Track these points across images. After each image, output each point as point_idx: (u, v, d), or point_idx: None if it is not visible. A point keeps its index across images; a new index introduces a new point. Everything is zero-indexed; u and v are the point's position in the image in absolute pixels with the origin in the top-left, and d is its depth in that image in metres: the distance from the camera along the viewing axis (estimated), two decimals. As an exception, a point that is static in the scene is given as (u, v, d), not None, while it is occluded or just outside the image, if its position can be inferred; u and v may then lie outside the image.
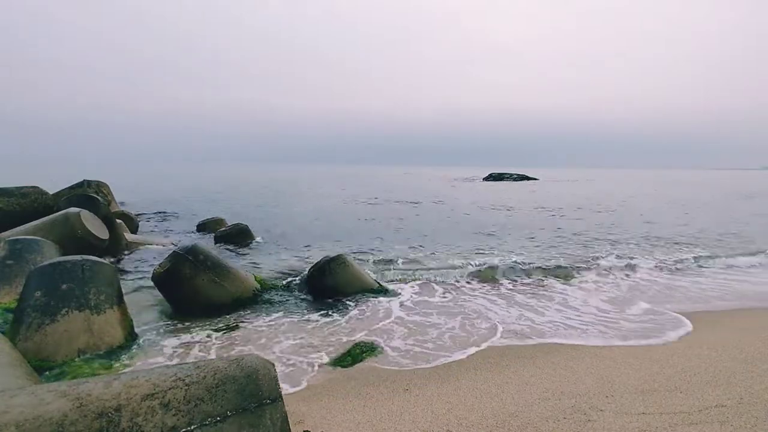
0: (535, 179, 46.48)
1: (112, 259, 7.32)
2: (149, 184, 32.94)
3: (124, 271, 6.84)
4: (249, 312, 5.07)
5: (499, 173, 50.17)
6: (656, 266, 7.82)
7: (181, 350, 4.03)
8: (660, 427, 2.71)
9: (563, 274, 7.23)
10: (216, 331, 4.50)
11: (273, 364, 2.10)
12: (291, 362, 3.79)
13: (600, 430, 2.71)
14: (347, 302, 5.46)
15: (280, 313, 5.05)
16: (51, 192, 8.76)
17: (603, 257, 8.44)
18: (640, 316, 5.17)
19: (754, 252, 9.18)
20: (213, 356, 3.88)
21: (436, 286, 6.36)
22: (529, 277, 7.01)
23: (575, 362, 3.80)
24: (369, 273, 6.51)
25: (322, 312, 5.12)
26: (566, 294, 6.08)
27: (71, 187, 9.69)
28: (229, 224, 10.95)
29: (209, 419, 1.76)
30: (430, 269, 7.41)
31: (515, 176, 47.29)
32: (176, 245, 8.83)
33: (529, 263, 7.78)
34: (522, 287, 6.46)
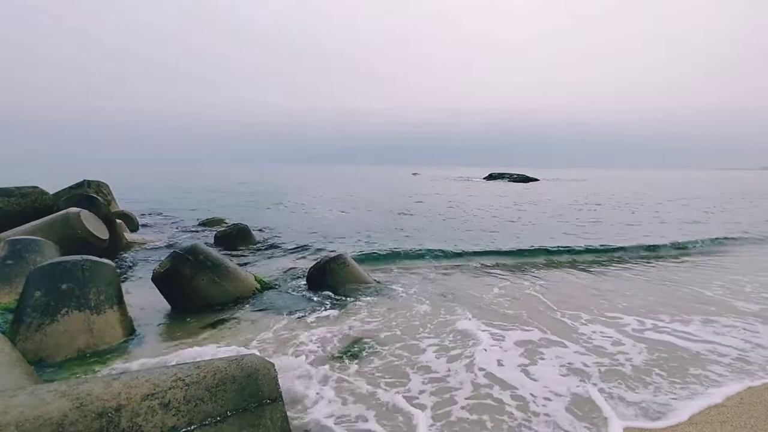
0: (536, 179, 46.36)
1: (112, 260, 7.32)
2: (149, 184, 32.96)
3: (124, 271, 6.85)
4: (249, 312, 5.07)
5: (498, 173, 50.05)
6: None
7: (181, 350, 4.03)
8: (660, 426, 2.71)
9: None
10: (216, 331, 4.50)
11: (273, 364, 2.10)
12: (291, 362, 3.79)
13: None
14: (347, 302, 5.45)
15: (280, 313, 5.05)
16: (51, 192, 8.76)
17: None
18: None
19: None
20: (213, 356, 3.87)
21: (437, 282, 6.35)
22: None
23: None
24: (369, 272, 6.51)
25: (322, 311, 5.11)
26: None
27: (71, 187, 9.68)
28: (230, 224, 10.96)
29: (209, 419, 1.76)
30: (432, 270, 7.42)
31: (515, 176, 47.04)
32: (176, 245, 8.84)
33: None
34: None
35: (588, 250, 9.03)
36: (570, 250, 8.96)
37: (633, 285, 6.44)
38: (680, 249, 9.46)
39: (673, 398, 3.07)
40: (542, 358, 3.81)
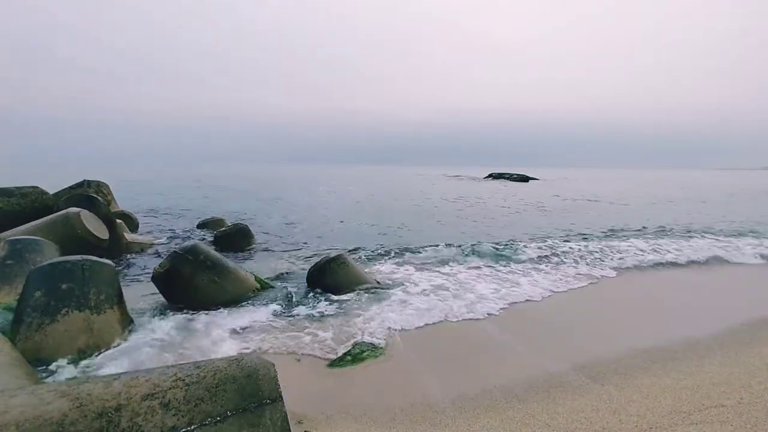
0: (536, 179, 46.36)
1: (112, 260, 7.31)
2: (150, 185, 32.94)
3: (124, 271, 6.84)
4: (248, 311, 5.06)
5: (498, 173, 50.08)
6: None
7: (181, 350, 4.03)
8: (660, 426, 2.72)
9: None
10: (216, 330, 4.50)
11: (273, 364, 2.10)
12: (291, 362, 3.79)
13: (600, 430, 2.71)
14: (347, 302, 5.45)
15: (280, 313, 5.05)
16: (51, 192, 8.76)
17: None
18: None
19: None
20: (213, 356, 3.87)
21: (439, 284, 6.35)
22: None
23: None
24: (369, 272, 6.51)
25: (321, 312, 5.11)
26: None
27: (71, 187, 9.68)
28: (230, 224, 10.96)
29: (209, 419, 1.76)
30: (432, 270, 7.41)
31: (515, 176, 47.08)
32: (176, 245, 8.84)
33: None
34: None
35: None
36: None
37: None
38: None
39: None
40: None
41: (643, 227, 12.82)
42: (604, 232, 11.89)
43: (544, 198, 24.34)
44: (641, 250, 8.89)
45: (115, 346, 3.89)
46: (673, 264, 7.94)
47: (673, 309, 5.34)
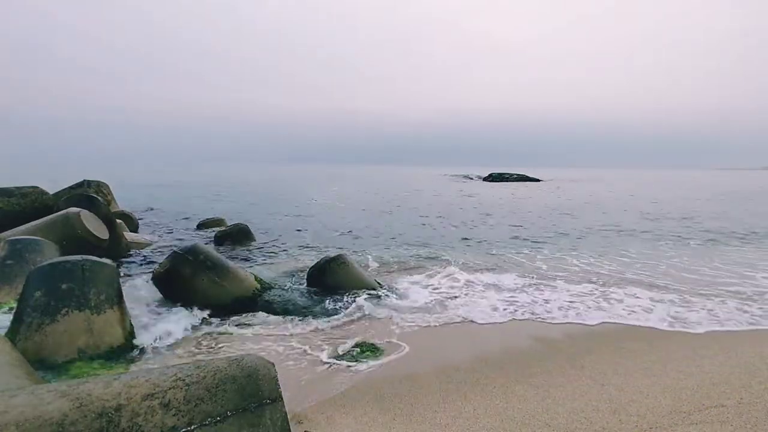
0: (537, 180, 46.28)
1: (112, 260, 7.31)
2: (150, 185, 32.94)
3: (124, 271, 6.84)
4: (249, 312, 5.06)
5: (499, 173, 50.06)
6: None
7: (181, 350, 4.03)
8: (660, 426, 2.72)
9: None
10: (216, 331, 4.50)
11: (273, 364, 2.10)
12: (291, 362, 3.79)
13: (600, 430, 2.71)
14: (347, 302, 5.45)
15: (280, 313, 5.05)
16: (51, 192, 8.76)
17: None
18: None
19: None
20: (213, 356, 3.87)
21: (438, 285, 6.35)
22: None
23: (575, 362, 3.79)
24: (369, 273, 6.51)
25: (321, 312, 5.11)
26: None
27: (71, 187, 9.68)
28: (230, 224, 10.96)
29: (209, 419, 1.76)
30: (432, 271, 7.41)
31: (515, 176, 47.06)
32: (176, 245, 8.83)
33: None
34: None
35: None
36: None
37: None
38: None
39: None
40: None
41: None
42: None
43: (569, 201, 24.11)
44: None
45: (115, 347, 3.89)
46: None
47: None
